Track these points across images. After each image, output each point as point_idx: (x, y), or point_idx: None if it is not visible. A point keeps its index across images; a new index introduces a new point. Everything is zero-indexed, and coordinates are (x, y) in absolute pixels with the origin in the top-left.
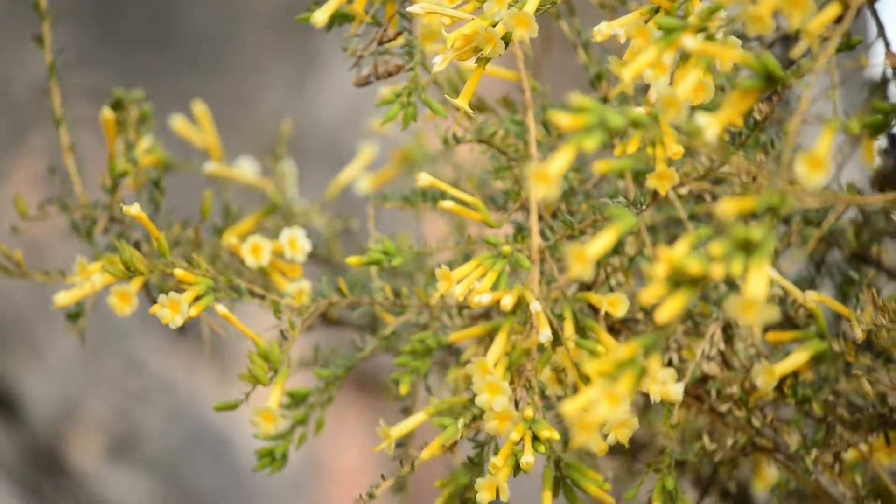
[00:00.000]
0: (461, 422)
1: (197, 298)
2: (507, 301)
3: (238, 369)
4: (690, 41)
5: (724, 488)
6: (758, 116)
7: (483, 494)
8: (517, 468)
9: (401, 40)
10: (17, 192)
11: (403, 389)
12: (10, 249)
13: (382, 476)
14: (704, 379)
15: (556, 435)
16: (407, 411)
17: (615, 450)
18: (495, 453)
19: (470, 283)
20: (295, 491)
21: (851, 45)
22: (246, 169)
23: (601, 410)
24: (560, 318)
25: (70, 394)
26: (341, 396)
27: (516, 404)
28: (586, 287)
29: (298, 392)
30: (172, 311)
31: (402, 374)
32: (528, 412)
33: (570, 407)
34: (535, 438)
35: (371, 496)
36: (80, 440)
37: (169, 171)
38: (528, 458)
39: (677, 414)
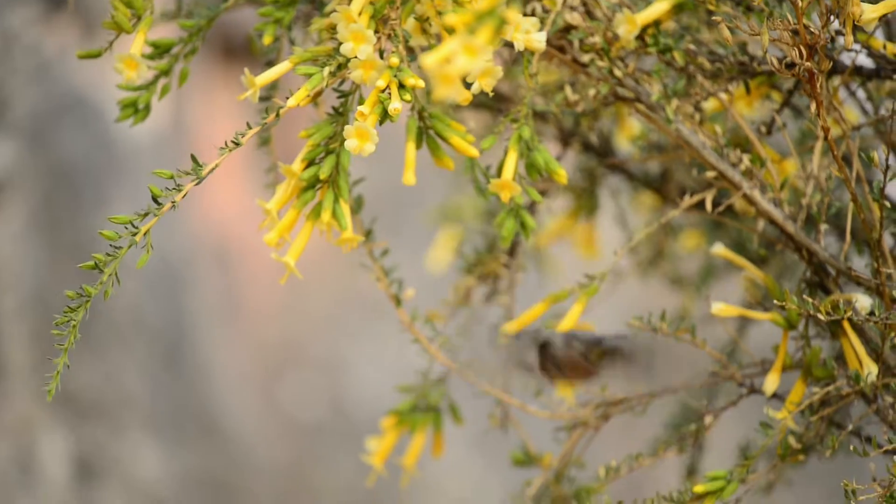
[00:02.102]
0: (326, 70)
1: None
2: None
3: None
4: None
5: (586, 140)
6: None
7: (351, 141)
8: (385, 115)
9: None
10: None
11: (266, 40)
12: None
13: (248, 124)
14: (567, 29)
15: (421, 83)
16: (271, 64)
17: (479, 104)
18: (360, 103)
19: None
20: (159, 153)
21: None
22: None
23: (461, 62)
24: None
25: None
26: (210, 68)
27: (381, 54)
28: None
29: (162, 42)
30: None
31: (265, 25)
32: (394, 60)
33: (430, 59)
34: (401, 86)
35: (236, 143)
36: None
37: None
38: (395, 104)
39: (538, 65)
